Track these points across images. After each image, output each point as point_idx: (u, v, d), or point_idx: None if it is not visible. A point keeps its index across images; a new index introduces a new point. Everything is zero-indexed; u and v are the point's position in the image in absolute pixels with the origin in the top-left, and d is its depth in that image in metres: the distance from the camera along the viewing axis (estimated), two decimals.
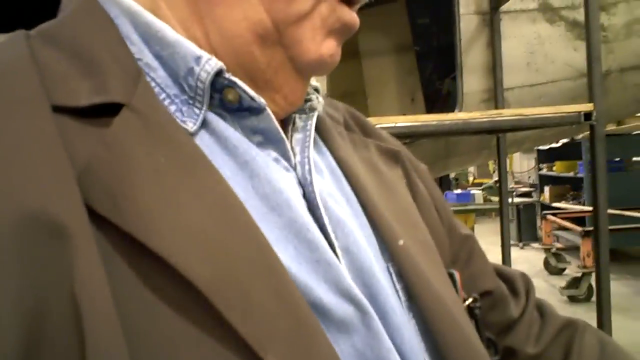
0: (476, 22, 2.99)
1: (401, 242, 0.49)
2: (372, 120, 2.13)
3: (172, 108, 0.42)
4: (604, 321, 2.20)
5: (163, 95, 0.42)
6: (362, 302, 0.41)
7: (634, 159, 6.60)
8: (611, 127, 5.96)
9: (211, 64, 0.42)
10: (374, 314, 0.42)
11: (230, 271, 0.34)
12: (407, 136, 2.43)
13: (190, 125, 0.41)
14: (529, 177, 10.03)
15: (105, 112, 0.38)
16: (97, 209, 0.33)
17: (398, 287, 0.48)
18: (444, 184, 8.74)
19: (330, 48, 0.47)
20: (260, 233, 0.38)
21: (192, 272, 0.33)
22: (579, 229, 5.71)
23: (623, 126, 6.09)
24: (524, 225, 8.09)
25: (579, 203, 7.25)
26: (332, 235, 0.44)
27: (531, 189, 9.08)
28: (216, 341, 0.33)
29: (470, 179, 10.25)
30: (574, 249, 6.51)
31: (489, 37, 2.99)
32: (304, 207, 0.44)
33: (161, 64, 0.42)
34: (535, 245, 7.57)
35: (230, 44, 0.44)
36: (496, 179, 10.10)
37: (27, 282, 0.30)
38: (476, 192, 5.53)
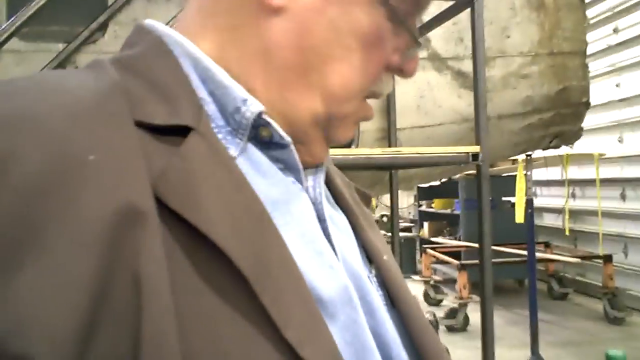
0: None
1: (385, 257, 0.62)
2: None
3: (219, 136, 0.51)
4: (487, 349, 2.39)
5: (212, 125, 0.51)
6: (354, 299, 0.52)
7: (504, 198, 7.18)
8: None
9: (256, 106, 0.51)
10: (360, 309, 0.53)
11: (266, 265, 0.44)
12: None
13: (233, 151, 0.51)
14: (409, 212, 10.56)
15: (177, 132, 0.46)
16: (169, 203, 0.42)
17: (380, 293, 0.59)
18: None
19: (352, 132, 0.60)
20: (282, 240, 0.47)
21: (242, 262, 0.42)
22: (456, 262, 6.09)
23: (494, 168, 6.63)
24: (404, 258, 8.48)
25: (455, 238, 7.73)
26: (335, 245, 0.55)
27: (411, 224, 9.55)
28: (250, 320, 0.42)
29: None
30: (450, 282, 6.91)
31: None
32: (316, 220, 0.55)
33: (213, 100, 0.52)
34: (415, 277, 7.94)
35: (289, 116, 0.55)
36: (380, 212, 10.51)
37: (102, 263, 0.37)
38: None
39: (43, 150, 0.38)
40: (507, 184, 7.18)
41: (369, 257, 0.62)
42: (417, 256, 8.48)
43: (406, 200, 10.54)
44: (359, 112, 0.59)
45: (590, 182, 6.68)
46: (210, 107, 0.51)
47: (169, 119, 0.46)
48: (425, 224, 8.75)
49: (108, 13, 2.97)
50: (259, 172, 0.52)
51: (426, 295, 6.82)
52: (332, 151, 2.42)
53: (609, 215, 6.38)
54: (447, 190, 8.25)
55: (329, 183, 0.66)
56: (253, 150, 0.52)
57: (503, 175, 7.25)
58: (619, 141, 6.44)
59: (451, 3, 2.44)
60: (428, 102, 3.24)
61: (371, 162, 2.32)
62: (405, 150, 2.34)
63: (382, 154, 2.28)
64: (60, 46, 2.99)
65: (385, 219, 8.89)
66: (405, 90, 3.21)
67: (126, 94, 0.46)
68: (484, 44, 2.34)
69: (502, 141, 3.49)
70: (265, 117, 0.52)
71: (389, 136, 3.18)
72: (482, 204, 2.40)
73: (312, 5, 0.54)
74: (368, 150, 2.30)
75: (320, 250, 0.52)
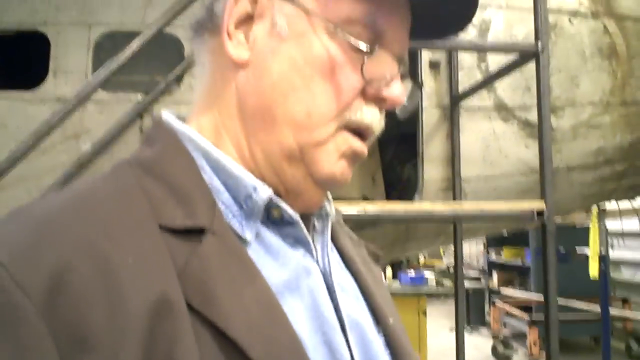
0: (437, 115, 3.20)
1: (391, 321, 0.67)
2: (342, 203, 2.23)
3: (235, 222, 0.58)
4: None
5: (228, 213, 0.58)
6: None
7: (578, 250, 6.88)
8: (556, 219, 6.22)
9: (265, 192, 0.59)
10: None
11: (277, 355, 0.50)
12: (373, 221, 2.54)
13: (248, 236, 0.57)
14: (478, 260, 10.27)
15: (194, 231, 0.53)
16: (190, 301, 0.48)
17: (386, 353, 0.64)
18: (395, 264, 8.83)
19: (341, 168, 0.62)
20: (292, 329, 0.53)
21: (253, 353, 0.48)
22: (526, 317, 5.85)
23: (567, 218, 6.40)
24: (473, 309, 8.22)
25: (526, 290, 7.44)
26: (343, 314, 0.60)
27: (479, 275, 9.27)
28: None
29: (421, 259, 10.41)
30: (520, 336, 6.63)
31: (449, 130, 3.19)
32: (325, 292, 0.61)
33: (226, 189, 0.59)
34: (484, 330, 7.66)
35: (268, 160, 0.61)
36: (446, 260, 10.28)
37: (145, 352, 0.44)
38: (429, 275, 5.65)
39: (90, 262, 0.46)
40: (582, 235, 6.88)
41: (377, 319, 0.66)
42: (486, 307, 8.19)
43: (475, 247, 10.27)
44: (339, 143, 0.61)
45: None
46: (225, 197, 0.59)
47: (186, 221, 0.53)
48: (494, 274, 8.47)
49: (184, 65, 3.14)
50: (271, 254, 0.58)
51: (494, 350, 6.56)
52: (396, 205, 2.44)
53: None
54: (517, 239, 7.99)
55: (338, 246, 0.71)
56: (265, 232, 0.59)
57: (576, 226, 6.97)
58: None
59: (515, 56, 2.43)
60: (494, 152, 3.20)
61: (434, 216, 2.31)
62: (468, 206, 2.32)
63: (444, 208, 2.26)
64: (139, 96, 3.17)
65: (451, 269, 8.69)
66: (470, 140, 3.18)
67: (149, 200, 0.54)
68: (549, 96, 2.32)
69: (572, 193, 3.38)
70: (275, 200, 0.59)
71: (453, 187, 3.15)
72: (548, 262, 2.32)
73: (269, 48, 0.60)
74: (430, 205, 2.30)
75: (329, 341, 0.57)
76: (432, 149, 3.18)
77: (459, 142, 3.17)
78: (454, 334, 3.39)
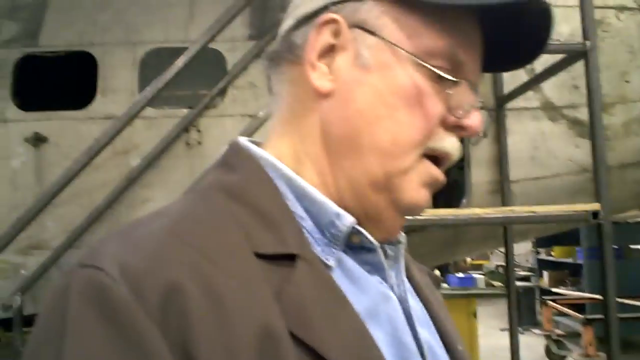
0: (483, 117, 3.14)
1: (460, 347, 0.69)
2: None
3: (318, 249, 0.59)
4: None
5: (311, 239, 0.59)
6: None
7: (632, 246, 6.68)
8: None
9: (348, 220, 0.60)
10: None
11: None
12: (423, 227, 2.52)
13: (332, 262, 0.59)
14: (527, 260, 10.06)
15: (285, 257, 0.55)
16: (290, 328, 0.50)
17: None
18: (442, 266, 8.74)
19: (423, 196, 0.63)
20: (382, 356, 0.55)
21: None
22: (580, 316, 5.70)
23: (619, 214, 6.21)
24: (523, 309, 8.05)
25: (578, 289, 7.26)
26: (422, 340, 0.62)
27: (530, 273, 9.09)
28: None
29: (468, 260, 10.27)
30: (574, 336, 6.47)
31: (495, 132, 3.14)
32: (403, 318, 0.62)
33: (309, 216, 0.60)
34: (536, 330, 7.51)
35: (352, 187, 0.62)
36: (494, 260, 10.11)
37: None
38: (478, 276, 5.57)
39: (198, 283, 0.48)
40: (635, 231, 6.68)
41: (446, 345, 0.67)
42: (537, 307, 8.02)
43: (523, 246, 10.08)
44: (421, 171, 0.62)
45: None
46: (307, 223, 0.60)
47: (278, 247, 0.55)
48: (545, 273, 8.29)
49: (227, 78, 3.18)
50: (351, 280, 0.59)
51: (548, 351, 6.41)
52: (444, 211, 2.41)
53: None
54: (567, 237, 7.80)
55: (408, 273, 0.71)
56: (345, 258, 0.60)
57: (630, 221, 6.76)
58: None
59: (563, 55, 2.38)
60: (542, 152, 3.13)
61: (484, 221, 2.27)
62: (519, 210, 2.27)
63: (495, 213, 2.22)
64: (185, 111, 3.23)
65: (500, 269, 8.54)
66: (517, 141, 3.13)
67: (241, 226, 0.56)
68: (600, 95, 2.25)
69: (626, 191, 3.28)
70: (357, 227, 0.60)
71: (501, 189, 3.09)
72: (606, 264, 2.26)
73: (353, 78, 0.62)
74: (480, 211, 2.26)
75: (409, 352, 0.59)
76: (479, 152, 3.13)
77: (506, 143, 3.11)
78: (504, 334, 3.33)
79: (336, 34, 0.63)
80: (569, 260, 7.63)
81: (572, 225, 3.59)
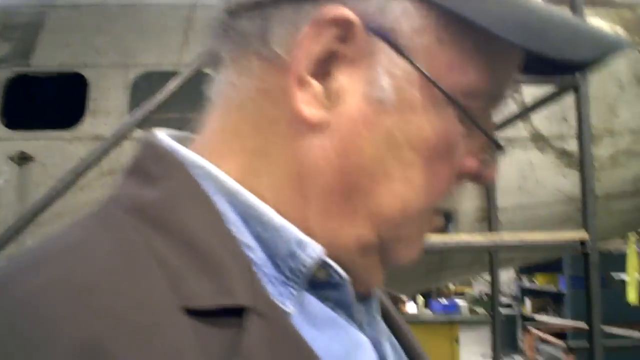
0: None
1: None
2: None
3: (270, 288, 0.42)
4: None
5: (261, 275, 0.42)
6: None
7: (614, 274, 6.74)
8: None
9: (315, 249, 0.43)
10: None
11: None
12: None
13: (290, 307, 0.42)
14: (509, 286, 10.10)
15: (230, 312, 0.38)
16: None
17: None
18: (426, 292, 8.73)
19: (419, 248, 0.50)
20: None
21: None
22: (563, 344, 5.72)
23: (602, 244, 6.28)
24: (505, 336, 8.06)
25: (560, 316, 7.29)
26: None
27: (511, 302, 9.11)
28: None
29: (452, 287, 10.27)
30: None
31: None
32: None
33: (260, 245, 0.43)
34: (517, 357, 7.50)
35: (334, 249, 0.45)
36: (477, 287, 10.12)
37: None
38: (461, 303, 5.58)
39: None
40: (618, 261, 6.72)
41: None
42: (519, 334, 8.03)
43: (506, 275, 10.12)
44: (424, 229, 0.49)
45: None
46: (258, 255, 0.43)
47: (219, 299, 0.38)
48: (527, 300, 8.32)
49: None
50: (315, 326, 0.44)
51: None
52: (433, 236, 2.40)
53: None
54: (550, 264, 7.86)
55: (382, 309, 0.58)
56: (307, 297, 0.45)
57: (612, 252, 6.83)
58: None
59: (553, 88, 2.41)
60: (530, 181, 3.17)
61: (471, 247, 2.28)
62: (507, 237, 2.28)
63: (483, 239, 2.23)
64: None
65: (484, 296, 8.55)
66: (506, 170, 3.16)
67: (163, 269, 0.38)
68: (589, 127, 2.29)
69: (611, 221, 3.32)
70: (326, 259, 0.44)
71: (489, 217, 3.11)
72: (592, 294, 2.27)
73: (360, 115, 0.43)
74: (469, 236, 2.27)
75: None
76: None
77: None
78: None
79: (345, 38, 0.43)
80: (551, 287, 7.67)
81: (558, 254, 3.62)
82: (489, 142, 0.48)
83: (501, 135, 3.14)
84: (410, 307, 5.10)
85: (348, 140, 0.44)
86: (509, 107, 3.03)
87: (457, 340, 5.08)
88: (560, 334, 6.47)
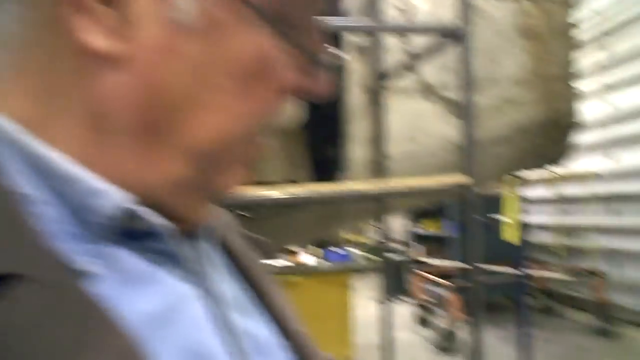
0: (362, 96, 3.20)
1: (295, 326, 0.55)
2: (265, 187, 2.20)
3: (70, 247, 0.37)
4: None
5: (58, 233, 0.37)
6: None
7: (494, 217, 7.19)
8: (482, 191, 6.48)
9: (113, 198, 0.39)
10: None
11: None
12: (304, 202, 2.53)
13: (94, 267, 0.38)
14: (399, 234, 10.53)
15: None
16: None
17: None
18: (320, 243, 8.91)
19: (245, 174, 0.48)
20: None
21: None
22: (449, 284, 6.08)
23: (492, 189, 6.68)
24: (396, 280, 8.44)
25: (446, 259, 7.72)
26: (241, 335, 0.46)
27: (402, 247, 9.52)
28: None
29: (347, 236, 10.56)
30: (443, 303, 6.91)
31: (374, 110, 3.21)
32: (212, 317, 0.44)
33: (58, 199, 0.38)
34: (407, 299, 7.91)
35: (149, 192, 0.41)
36: (370, 236, 10.47)
37: None
38: (356, 251, 5.77)
39: None
40: (496, 203, 7.16)
41: (281, 327, 0.54)
42: (409, 278, 8.45)
43: (397, 222, 10.53)
44: (250, 153, 0.47)
45: (583, 200, 6.75)
46: (54, 210, 0.38)
47: None
48: (417, 246, 8.73)
49: None
50: (127, 284, 0.39)
51: (418, 316, 6.80)
52: (322, 186, 2.42)
53: (605, 230, 6.44)
54: (437, 210, 8.24)
55: (231, 253, 0.55)
56: (121, 253, 0.40)
57: (490, 194, 7.27)
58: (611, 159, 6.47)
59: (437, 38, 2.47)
60: (418, 130, 3.25)
61: (362, 195, 2.33)
62: (395, 183, 2.35)
63: (373, 188, 2.28)
64: None
65: (375, 243, 8.88)
66: (395, 119, 3.22)
67: None
68: (472, 79, 2.37)
69: (492, 165, 3.50)
70: (131, 206, 0.40)
71: (378, 165, 3.18)
72: (470, 235, 2.41)
73: (161, 43, 0.39)
74: (357, 184, 2.31)
75: None
76: (358, 130, 3.18)
77: (384, 121, 3.19)
78: (379, 304, 3.53)
79: None
80: (439, 232, 8.07)
81: (444, 199, 3.79)
82: (311, 54, 0.46)
83: (390, 85, 3.18)
84: (306, 258, 5.19)
85: (149, 73, 0.39)
86: (399, 57, 3.07)
87: (351, 287, 5.25)
88: (448, 275, 6.86)
